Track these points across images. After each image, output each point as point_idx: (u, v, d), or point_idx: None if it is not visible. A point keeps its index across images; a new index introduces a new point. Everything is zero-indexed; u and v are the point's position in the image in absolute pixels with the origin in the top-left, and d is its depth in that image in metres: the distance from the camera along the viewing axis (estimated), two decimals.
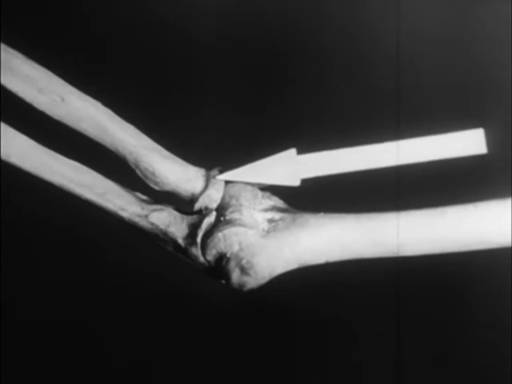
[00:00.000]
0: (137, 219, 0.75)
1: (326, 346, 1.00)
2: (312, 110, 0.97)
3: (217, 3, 0.96)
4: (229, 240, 0.74)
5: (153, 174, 0.75)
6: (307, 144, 0.83)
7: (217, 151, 0.86)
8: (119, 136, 0.74)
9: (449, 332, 0.99)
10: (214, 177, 0.76)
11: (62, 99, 0.74)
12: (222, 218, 0.75)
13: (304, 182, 0.79)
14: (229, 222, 0.74)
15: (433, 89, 0.96)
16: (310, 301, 0.97)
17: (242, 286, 0.75)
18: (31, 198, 0.95)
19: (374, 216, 0.74)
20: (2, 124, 0.73)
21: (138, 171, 0.75)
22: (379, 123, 0.93)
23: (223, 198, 0.76)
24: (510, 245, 0.73)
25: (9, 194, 0.94)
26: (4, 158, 0.73)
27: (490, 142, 0.80)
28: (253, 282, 0.74)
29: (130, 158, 0.75)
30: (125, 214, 0.75)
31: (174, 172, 0.75)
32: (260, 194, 0.77)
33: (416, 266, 0.78)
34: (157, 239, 0.76)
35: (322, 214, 0.75)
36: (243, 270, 0.74)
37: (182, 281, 0.96)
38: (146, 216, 0.75)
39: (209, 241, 0.74)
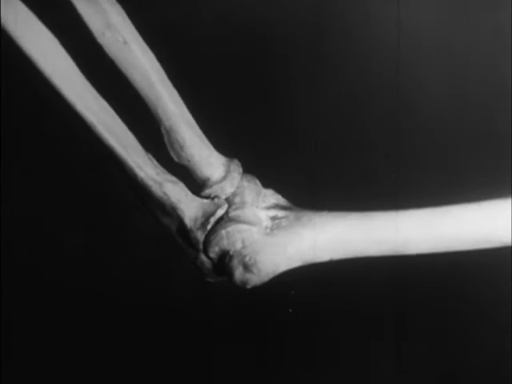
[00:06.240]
0: (150, 183, 0.73)
1: (327, 344, 1.00)
2: (311, 109, 0.97)
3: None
4: (232, 237, 0.73)
5: (181, 147, 0.73)
6: (309, 140, 0.84)
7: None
8: (164, 98, 0.72)
9: (449, 331, 0.99)
10: (233, 169, 0.75)
11: (125, 42, 0.72)
12: (225, 215, 0.75)
13: (305, 181, 0.79)
14: (232, 220, 0.74)
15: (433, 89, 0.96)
16: (313, 299, 0.97)
17: (244, 283, 0.74)
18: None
19: (378, 214, 0.74)
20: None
21: (166, 138, 0.73)
22: (379, 122, 0.94)
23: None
24: None
25: None
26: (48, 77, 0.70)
27: (490, 141, 0.81)
28: (256, 279, 0.74)
29: (166, 124, 0.72)
30: (141, 174, 0.72)
31: (200, 153, 0.74)
32: (263, 191, 0.76)
33: (419, 264, 0.78)
34: (161, 210, 0.74)
35: (325, 212, 0.75)
36: (246, 268, 0.73)
37: (181, 281, 0.96)
38: (161, 184, 0.73)
39: (212, 238, 0.74)
